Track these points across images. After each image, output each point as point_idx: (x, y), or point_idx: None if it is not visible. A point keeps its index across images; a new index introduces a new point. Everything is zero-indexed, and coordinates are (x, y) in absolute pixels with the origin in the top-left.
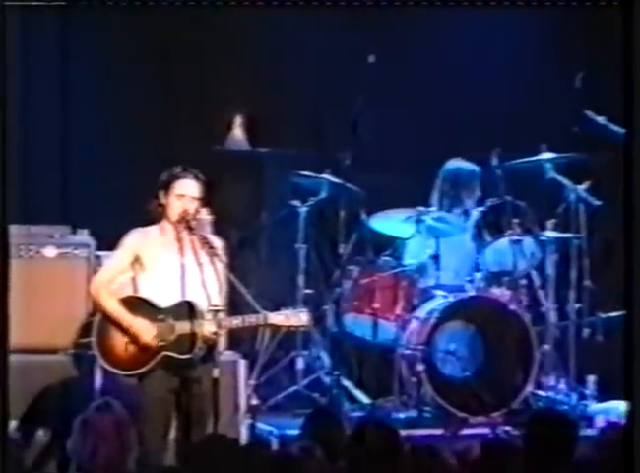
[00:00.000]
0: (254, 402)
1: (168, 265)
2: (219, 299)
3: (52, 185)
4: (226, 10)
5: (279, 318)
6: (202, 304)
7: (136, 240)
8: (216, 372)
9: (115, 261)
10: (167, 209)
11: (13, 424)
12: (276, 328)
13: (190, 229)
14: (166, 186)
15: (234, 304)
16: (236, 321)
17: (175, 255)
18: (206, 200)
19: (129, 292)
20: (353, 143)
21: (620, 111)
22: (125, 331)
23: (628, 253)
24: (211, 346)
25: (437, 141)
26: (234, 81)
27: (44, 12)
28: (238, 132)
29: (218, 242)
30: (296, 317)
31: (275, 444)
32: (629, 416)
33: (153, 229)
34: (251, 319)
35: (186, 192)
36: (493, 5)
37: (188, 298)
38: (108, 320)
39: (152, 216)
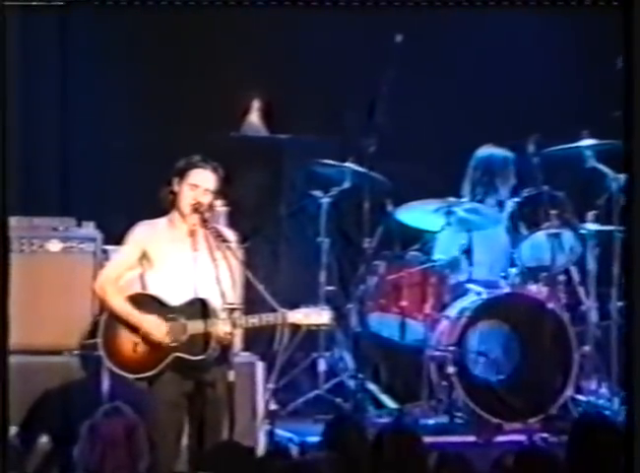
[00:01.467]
0: (272, 407)
1: (179, 260)
2: (234, 296)
3: (56, 176)
4: None
5: (298, 317)
6: (215, 301)
7: (143, 234)
8: (231, 375)
9: (122, 257)
10: (179, 198)
11: (13, 430)
12: (295, 327)
13: (203, 221)
14: (181, 174)
15: (250, 302)
16: (253, 320)
17: (186, 250)
18: (221, 191)
19: (137, 289)
20: (378, 129)
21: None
22: (134, 330)
23: (628, 253)
24: (225, 347)
25: (469, 127)
26: (250, 63)
27: (44, 12)
28: (255, 117)
29: (232, 236)
30: (318, 316)
31: (295, 452)
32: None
33: (161, 221)
34: (269, 318)
35: (200, 183)
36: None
37: (201, 295)
38: (116, 319)
39: (162, 204)
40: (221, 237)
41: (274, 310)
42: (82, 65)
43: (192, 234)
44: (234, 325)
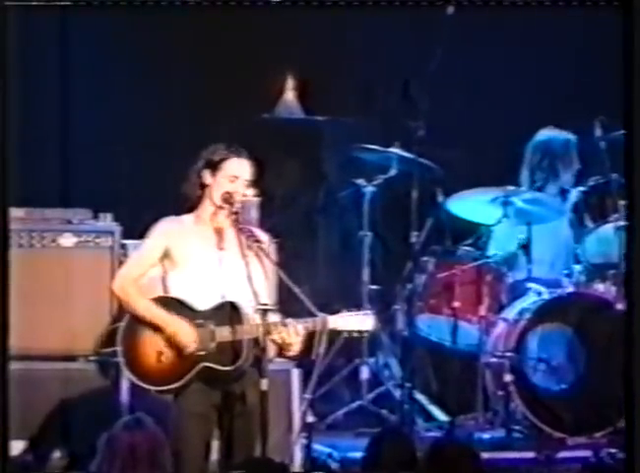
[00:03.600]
0: (310, 419)
1: (206, 260)
2: (268, 297)
3: (68, 166)
4: None
5: (339, 322)
6: (247, 305)
7: (167, 231)
8: (264, 384)
9: (143, 253)
10: (211, 191)
11: (23, 444)
12: (336, 333)
13: (234, 214)
14: (215, 165)
15: (286, 305)
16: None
17: (214, 248)
18: (255, 180)
19: (159, 292)
20: (427, 110)
21: (620, 111)
22: (159, 337)
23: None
24: (258, 355)
25: (527, 108)
26: (285, 36)
27: (44, 12)
28: (290, 97)
29: (264, 237)
30: (361, 321)
31: (334, 470)
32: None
33: (186, 218)
34: (307, 324)
35: (240, 173)
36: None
37: (230, 299)
38: (138, 322)
39: (188, 199)
40: (253, 237)
41: (311, 315)
42: (83, 59)
43: (219, 231)
44: (268, 331)
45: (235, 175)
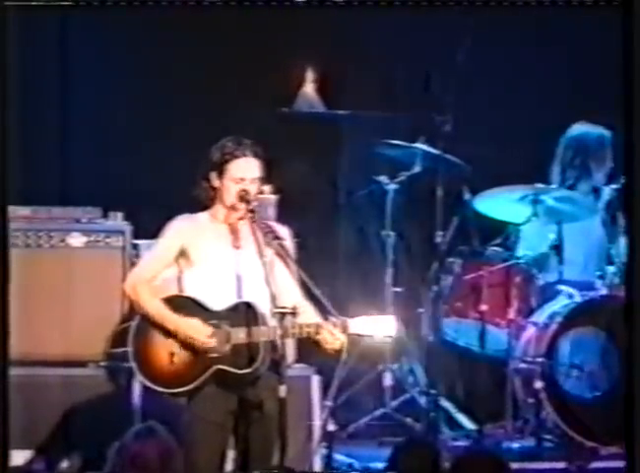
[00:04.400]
0: (331, 428)
1: (222, 259)
2: (286, 299)
3: (75, 163)
4: None
5: (361, 327)
6: (264, 306)
7: (183, 229)
8: (282, 391)
9: (158, 252)
10: (221, 193)
11: (28, 454)
12: (357, 338)
13: (251, 212)
14: (220, 167)
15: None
16: (308, 329)
17: (231, 247)
18: (269, 176)
19: (174, 291)
20: (453, 104)
21: (620, 111)
22: (171, 338)
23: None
24: (275, 359)
25: (558, 101)
26: (305, 26)
27: (44, 12)
28: (310, 90)
29: (284, 231)
30: (383, 326)
31: None
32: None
33: (202, 216)
34: (327, 327)
35: (246, 174)
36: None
37: (246, 299)
38: (150, 324)
39: (200, 201)
40: (272, 234)
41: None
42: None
43: (235, 231)
44: (286, 334)
45: (242, 177)
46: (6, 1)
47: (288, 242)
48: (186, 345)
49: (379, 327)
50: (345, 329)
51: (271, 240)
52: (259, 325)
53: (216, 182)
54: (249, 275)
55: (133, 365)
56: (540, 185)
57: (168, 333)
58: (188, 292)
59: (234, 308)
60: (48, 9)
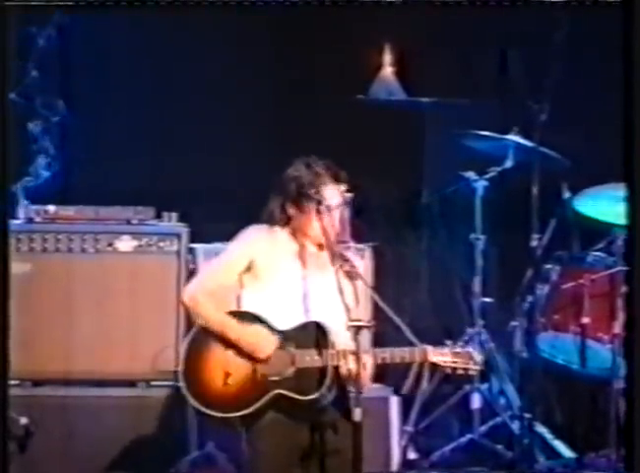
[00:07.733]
0: (411, 456)
1: (290, 277)
2: (361, 313)
3: (124, 160)
4: None
5: (442, 358)
6: (333, 327)
7: (257, 241)
8: (357, 415)
9: (226, 262)
10: (299, 223)
11: None
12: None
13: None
14: (297, 198)
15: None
16: (383, 355)
17: (299, 265)
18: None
19: (233, 307)
20: (551, 91)
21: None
22: (230, 347)
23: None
24: (344, 386)
25: None
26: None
27: (44, 12)
28: (389, 74)
29: (359, 262)
30: (468, 359)
31: None
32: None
33: (281, 232)
34: (404, 354)
35: (331, 202)
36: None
37: (315, 319)
38: (208, 334)
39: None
40: (348, 263)
41: (410, 343)
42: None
43: (301, 253)
44: (358, 361)
45: (327, 206)
46: (6, 1)
47: (362, 270)
48: (243, 366)
49: (462, 361)
50: (424, 358)
51: (346, 270)
52: (328, 348)
53: (291, 211)
54: (318, 294)
55: (182, 384)
56: None
57: (228, 344)
58: (246, 307)
59: (302, 328)
60: (48, 9)
